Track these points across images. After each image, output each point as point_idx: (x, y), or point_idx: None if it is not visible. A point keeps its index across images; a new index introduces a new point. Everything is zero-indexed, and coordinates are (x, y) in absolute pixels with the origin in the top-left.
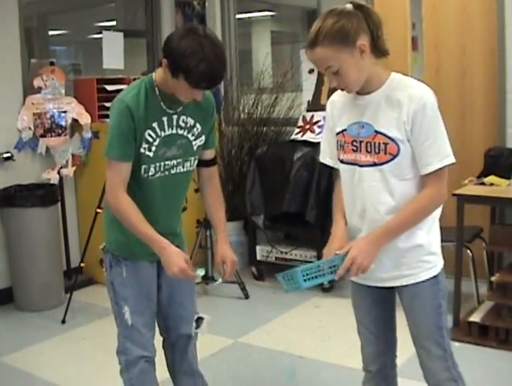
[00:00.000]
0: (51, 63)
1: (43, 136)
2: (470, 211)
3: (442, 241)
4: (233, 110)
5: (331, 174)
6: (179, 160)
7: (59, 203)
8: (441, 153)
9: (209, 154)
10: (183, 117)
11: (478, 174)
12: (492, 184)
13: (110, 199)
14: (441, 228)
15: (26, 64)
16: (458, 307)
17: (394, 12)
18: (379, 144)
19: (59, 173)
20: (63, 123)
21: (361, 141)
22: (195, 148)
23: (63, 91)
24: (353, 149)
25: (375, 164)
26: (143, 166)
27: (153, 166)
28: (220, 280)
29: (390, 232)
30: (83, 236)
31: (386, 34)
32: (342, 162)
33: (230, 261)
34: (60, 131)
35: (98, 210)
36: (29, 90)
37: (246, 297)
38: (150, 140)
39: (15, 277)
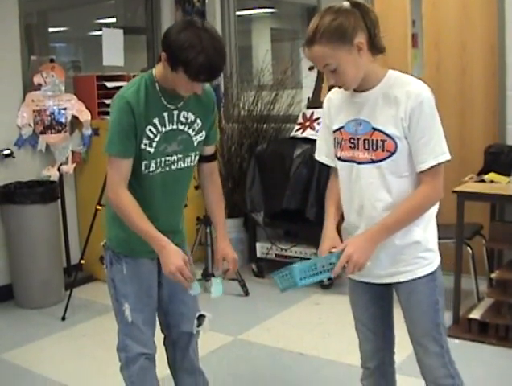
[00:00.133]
0: (51, 60)
1: (42, 133)
2: (470, 208)
3: (442, 238)
4: (233, 107)
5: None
6: (179, 156)
7: (59, 200)
8: (436, 151)
9: (210, 150)
10: (183, 113)
11: (478, 171)
12: (492, 181)
13: (111, 195)
14: (441, 225)
15: (26, 61)
16: (458, 304)
17: (394, 9)
18: (377, 141)
19: (59, 170)
20: (63, 120)
21: (358, 139)
22: (195, 143)
23: (63, 88)
24: (350, 147)
25: (373, 161)
26: (144, 162)
27: (154, 161)
28: (217, 292)
29: (386, 230)
30: (83, 233)
31: (383, 32)
32: (340, 159)
33: (231, 259)
34: (60, 128)
35: (98, 207)
36: (29, 87)
37: (246, 294)
38: (151, 136)
39: (15, 274)
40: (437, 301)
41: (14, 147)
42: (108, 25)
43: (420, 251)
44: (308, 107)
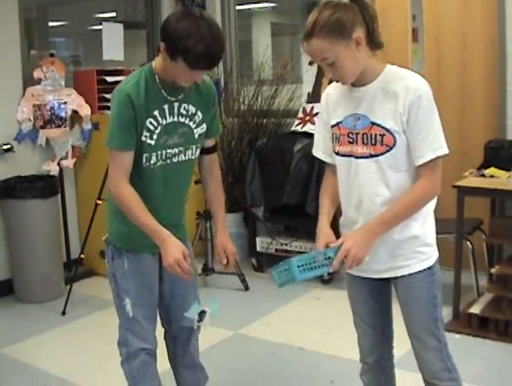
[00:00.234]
0: (51, 55)
1: (42, 127)
2: (470, 203)
3: (442, 233)
4: (233, 102)
5: None
6: (180, 148)
7: (59, 195)
8: (434, 145)
9: (210, 142)
10: (184, 105)
11: (478, 166)
12: (492, 176)
13: (112, 188)
14: (441, 220)
15: (26, 56)
16: (458, 299)
17: (395, 4)
18: (375, 135)
19: (59, 164)
20: (63, 114)
21: (357, 133)
22: (196, 136)
23: (63, 82)
24: (349, 141)
25: (371, 155)
26: (145, 155)
27: (154, 154)
28: (214, 314)
29: (385, 224)
30: (83, 227)
31: (382, 27)
32: (338, 154)
33: (230, 252)
34: (60, 122)
35: (98, 201)
36: (29, 81)
37: (246, 288)
38: (152, 128)
39: (15, 268)
40: (435, 296)
41: (14, 142)
42: (108, 19)
43: (418, 245)
44: (308, 101)
